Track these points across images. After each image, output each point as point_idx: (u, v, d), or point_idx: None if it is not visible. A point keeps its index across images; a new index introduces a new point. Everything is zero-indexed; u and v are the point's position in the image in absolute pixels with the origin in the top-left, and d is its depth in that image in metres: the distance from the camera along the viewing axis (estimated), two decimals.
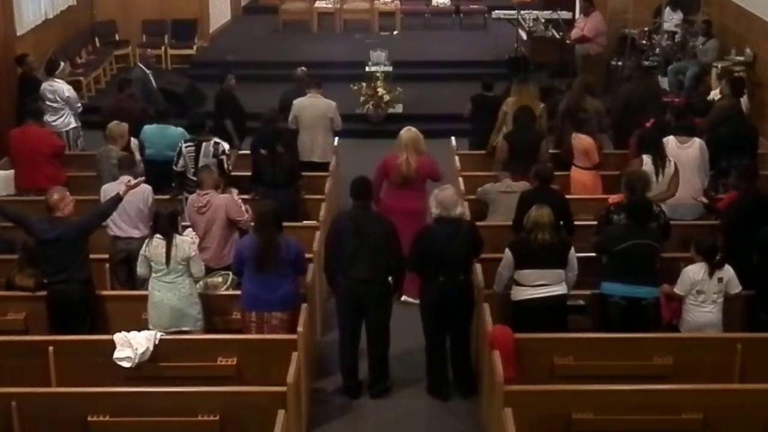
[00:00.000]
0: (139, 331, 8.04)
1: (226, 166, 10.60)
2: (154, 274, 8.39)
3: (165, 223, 8.42)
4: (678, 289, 8.33)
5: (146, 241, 8.48)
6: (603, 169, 11.24)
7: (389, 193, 10.41)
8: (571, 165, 11.22)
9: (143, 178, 9.36)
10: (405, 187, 10.30)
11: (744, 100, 13.07)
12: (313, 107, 12.19)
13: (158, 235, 8.39)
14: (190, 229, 9.44)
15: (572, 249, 8.41)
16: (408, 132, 10.40)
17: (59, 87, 13.29)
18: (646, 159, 9.93)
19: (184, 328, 8.37)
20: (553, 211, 8.43)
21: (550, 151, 11.80)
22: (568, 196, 10.72)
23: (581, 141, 11.03)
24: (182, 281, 8.37)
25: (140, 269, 8.55)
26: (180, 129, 11.64)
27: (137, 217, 9.48)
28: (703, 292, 8.25)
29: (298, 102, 12.23)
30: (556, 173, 10.67)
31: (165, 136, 11.41)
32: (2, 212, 8.99)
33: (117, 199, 8.94)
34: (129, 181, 9.18)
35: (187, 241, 8.52)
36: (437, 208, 8.44)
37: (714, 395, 7.31)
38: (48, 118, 12.68)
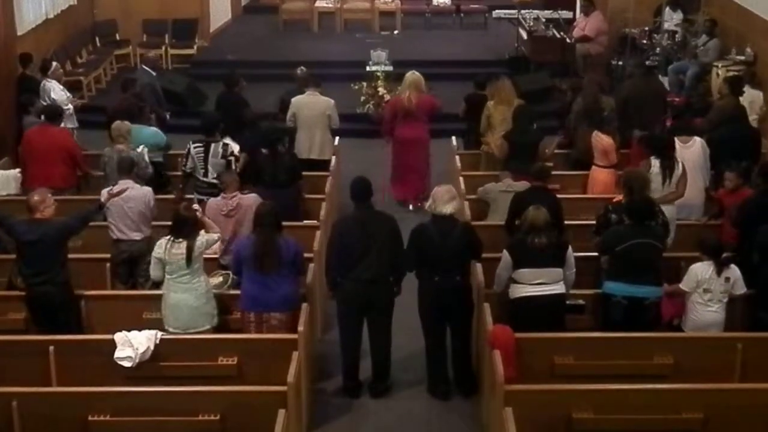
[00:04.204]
0: (140, 330, 8.03)
1: (234, 167, 10.62)
2: (169, 276, 8.29)
3: (189, 228, 8.32)
4: (683, 285, 8.34)
5: (163, 244, 8.32)
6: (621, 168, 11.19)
7: (399, 126, 12.54)
8: (591, 164, 11.23)
9: (125, 187, 9.28)
10: (410, 119, 12.48)
11: (755, 93, 13.07)
12: (311, 105, 12.27)
13: (179, 238, 8.27)
14: None
15: (570, 248, 8.41)
16: (412, 75, 12.56)
17: (49, 87, 13.37)
18: (654, 162, 9.87)
19: (201, 329, 8.31)
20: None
21: (562, 151, 11.91)
22: (584, 196, 10.89)
23: (601, 140, 11.04)
24: (198, 280, 8.33)
25: (155, 272, 8.43)
26: (153, 128, 11.68)
27: (139, 220, 9.46)
28: (710, 291, 8.26)
29: (296, 100, 12.31)
30: (572, 173, 11.41)
31: (137, 135, 11.31)
32: None
33: (99, 207, 8.96)
34: (111, 189, 9.18)
35: (199, 239, 8.44)
36: (429, 200, 8.51)
37: (715, 395, 7.30)
38: (33, 118, 12.57)
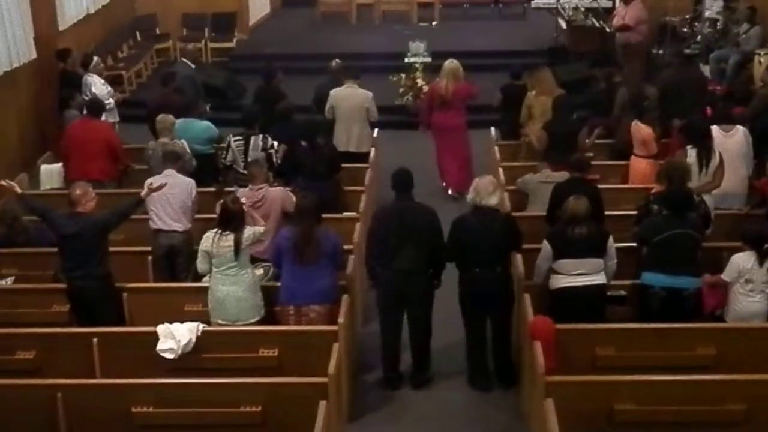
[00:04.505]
0: (182, 322, 8.07)
1: (275, 159, 10.67)
2: (216, 269, 8.30)
3: (237, 221, 8.34)
4: (725, 276, 8.25)
5: (210, 236, 8.33)
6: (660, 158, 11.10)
7: (436, 114, 12.74)
8: (630, 154, 11.17)
9: (165, 182, 9.30)
10: (445, 107, 12.63)
11: None
12: (349, 98, 12.30)
13: (227, 231, 8.30)
14: None
15: (611, 238, 8.36)
16: (450, 63, 12.65)
17: (90, 81, 13.50)
18: (691, 151, 9.78)
19: (250, 321, 8.32)
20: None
21: (604, 141, 11.86)
22: (624, 186, 10.87)
23: (640, 130, 10.98)
24: (246, 272, 8.35)
25: (202, 265, 8.43)
26: (205, 122, 11.74)
27: (181, 210, 9.50)
28: (751, 281, 8.16)
29: (335, 92, 12.34)
30: (612, 162, 11.42)
31: (189, 130, 11.50)
32: (29, 205, 9.04)
33: (138, 201, 8.99)
34: (151, 183, 9.22)
35: (246, 231, 8.46)
36: (471, 193, 8.46)
37: (758, 386, 7.20)
38: (75, 112, 12.67)
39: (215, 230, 8.36)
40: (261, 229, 8.67)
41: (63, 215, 8.60)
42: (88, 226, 8.43)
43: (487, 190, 8.39)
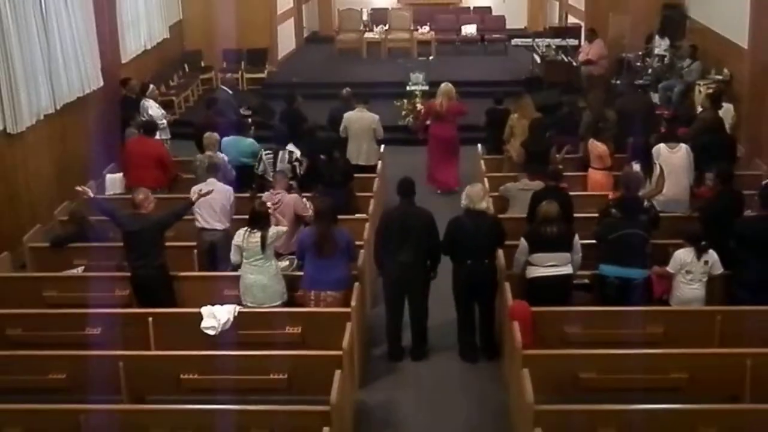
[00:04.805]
0: (222, 305, 8.09)
1: (298, 171, 10.68)
2: (245, 260, 8.30)
3: (263, 221, 8.34)
4: (669, 268, 8.26)
5: (241, 233, 8.33)
6: (614, 170, 11.10)
7: (433, 127, 13.03)
8: (588, 167, 11.17)
9: (212, 189, 9.30)
10: (440, 120, 12.88)
11: (729, 106, 12.87)
12: (360, 120, 12.30)
13: (255, 229, 8.30)
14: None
15: (576, 236, 8.36)
16: (445, 85, 12.94)
17: (147, 105, 13.51)
18: (636, 165, 9.94)
19: (274, 304, 8.30)
20: (559, 206, 8.39)
21: (574, 155, 11.84)
22: (584, 193, 10.89)
23: (596, 147, 10.99)
24: (270, 264, 8.33)
25: (234, 257, 8.42)
26: (250, 140, 11.75)
27: (221, 212, 9.51)
28: (691, 272, 8.17)
29: (347, 115, 12.35)
30: (574, 174, 11.35)
31: (237, 146, 11.51)
32: (101, 207, 9.04)
33: (189, 204, 9.00)
34: (200, 190, 9.23)
35: (271, 230, 8.47)
36: (465, 200, 8.47)
37: (697, 358, 7.24)
38: (133, 130, 12.68)
39: (246, 228, 8.37)
40: (284, 228, 8.68)
41: (127, 215, 8.62)
42: (148, 225, 8.45)
43: (479, 196, 8.42)
